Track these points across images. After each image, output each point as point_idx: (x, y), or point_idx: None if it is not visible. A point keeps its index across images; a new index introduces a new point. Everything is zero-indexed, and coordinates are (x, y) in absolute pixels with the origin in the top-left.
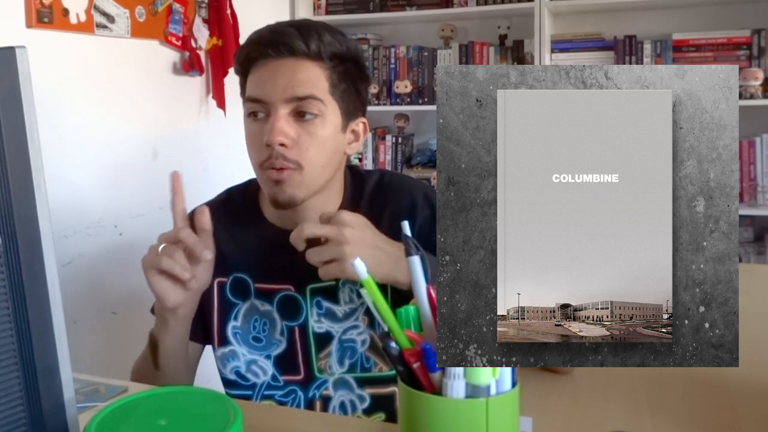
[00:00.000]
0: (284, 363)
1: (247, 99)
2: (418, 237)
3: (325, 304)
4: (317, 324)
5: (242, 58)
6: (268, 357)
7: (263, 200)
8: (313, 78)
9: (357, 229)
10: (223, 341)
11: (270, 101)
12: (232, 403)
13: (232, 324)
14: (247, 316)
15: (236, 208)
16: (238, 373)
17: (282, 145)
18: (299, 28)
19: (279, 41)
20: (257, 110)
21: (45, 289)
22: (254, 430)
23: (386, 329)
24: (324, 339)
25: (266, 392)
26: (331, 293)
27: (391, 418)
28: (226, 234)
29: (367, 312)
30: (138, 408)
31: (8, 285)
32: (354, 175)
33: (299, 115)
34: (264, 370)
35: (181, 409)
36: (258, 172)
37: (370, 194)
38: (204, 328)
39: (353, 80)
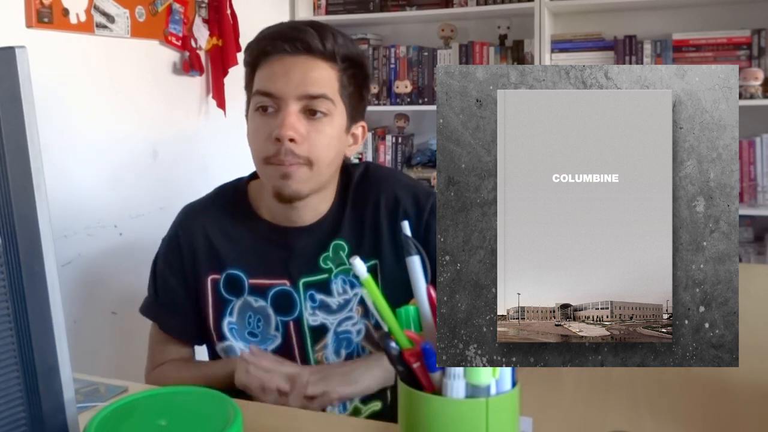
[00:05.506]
0: (281, 357)
1: (257, 92)
2: (396, 238)
3: (319, 296)
4: (312, 317)
5: (256, 52)
6: (264, 351)
7: (254, 196)
8: (325, 77)
9: (323, 367)
10: (221, 337)
11: (282, 96)
12: (232, 403)
13: (227, 320)
14: (241, 312)
15: (227, 205)
16: None
17: (291, 140)
18: (315, 28)
19: (297, 38)
20: (267, 104)
21: (45, 289)
22: (254, 431)
23: (386, 329)
24: (319, 331)
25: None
26: (324, 286)
27: (386, 407)
28: (218, 230)
29: (361, 302)
30: (138, 408)
31: (8, 285)
32: (342, 169)
33: (310, 113)
34: None
35: (181, 409)
36: (261, 166)
37: (355, 187)
38: (198, 329)
39: (359, 84)
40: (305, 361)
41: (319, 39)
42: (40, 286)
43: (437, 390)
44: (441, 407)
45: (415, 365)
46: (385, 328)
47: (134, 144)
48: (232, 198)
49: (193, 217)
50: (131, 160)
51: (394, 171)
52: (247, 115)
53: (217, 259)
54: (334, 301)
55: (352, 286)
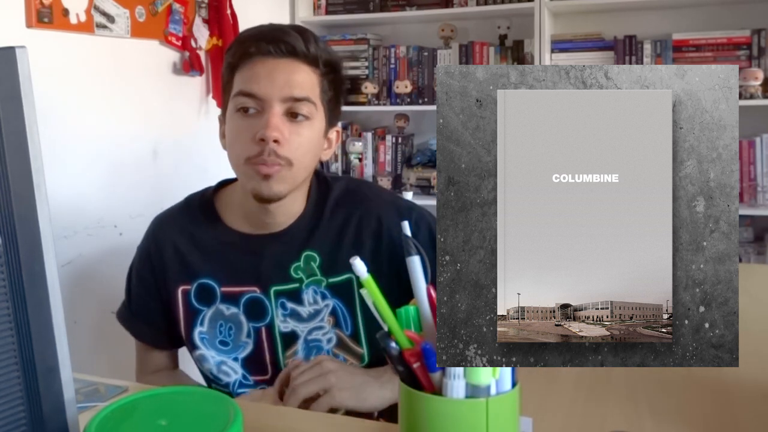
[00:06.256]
0: (252, 364)
1: (239, 93)
2: (377, 257)
3: (290, 305)
4: (283, 324)
5: (239, 53)
6: (235, 359)
7: (222, 206)
8: (308, 81)
9: (339, 368)
10: (192, 346)
11: (266, 98)
12: (232, 403)
13: (198, 329)
14: (212, 321)
15: (194, 215)
16: (212, 374)
17: (276, 141)
18: (298, 31)
19: (281, 40)
20: (249, 105)
21: (45, 289)
22: (254, 430)
23: (386, 329)
24: (290, 338)
25: (239, 390)
26: (295, 295)
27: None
28: (187, 241)
29: (332, 313)
30: (138, 408)
31: (8, 285)
32: (319, 180)
33: (291, 115)
34: (234, 369)
35: (181, 409)
36: (242, 167)
37: (337, 200)
38: (170, 336)
39: (337, 90)
40: (276, 366)
41: (302, 42)
42: (41, 286)
43: (437, 390)
44: (441, 407)
45: (415, 365)
46: (385, 328)
47: (134, 144)
48: (199, 208)
49: (162, 229)
50: (131, 160)
51: (376, 188)
52: (222, 118)
53: (188, 269)
54: (304, 311)
55: (324, 297)
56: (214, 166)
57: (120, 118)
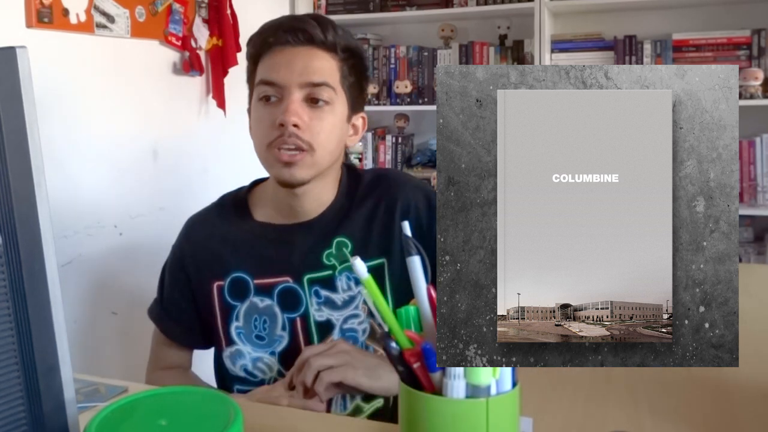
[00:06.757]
0: (289, 358)
1: (260, 82)
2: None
3: (324, 292)
4: (318, 313)
5: (259, 43)
6: (272, 353)
7: (255, 203)
8: (327, 67)
9: (354, 349)
10: (228, 342)
11: (285, 85)
12: (232, 403)
13: (234, 324)
14: (247, 315)
15: (227, 212)
16: (246, 371)
17: (295, 126)
18: (316, 19)
19: (298, 28)
20: (270, 94)
21: (45, 288)
22: (254, 430)
23: (386, 329)
24: (325, 328)
25: None
26: (329, 282)
27: (388, 405)
28: (220, 238)
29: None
30: (138, 408)
31: (8, 284)
32: (350, 171)
33: (312, 101)
34: (270, 366)
35: (181, 409)
36: (265, 153)
37: (367, 188)
38: (199, 335)
39: (359, 75)
40: None
41: (320, 30)
42: (41, 286)
43: (437, 390)
44: (441, 407)
45: (416, 365)
46: (386, 329)
47: (134, 144)
48: (232, 206)
49: (195, 228)
50: (131, 160)
51: (405, 174)
52: (249, 110)
53: (221, 265)
54: (338, 298)
55: (357, 282)
56: (214, 166)
57: (120, 118)
